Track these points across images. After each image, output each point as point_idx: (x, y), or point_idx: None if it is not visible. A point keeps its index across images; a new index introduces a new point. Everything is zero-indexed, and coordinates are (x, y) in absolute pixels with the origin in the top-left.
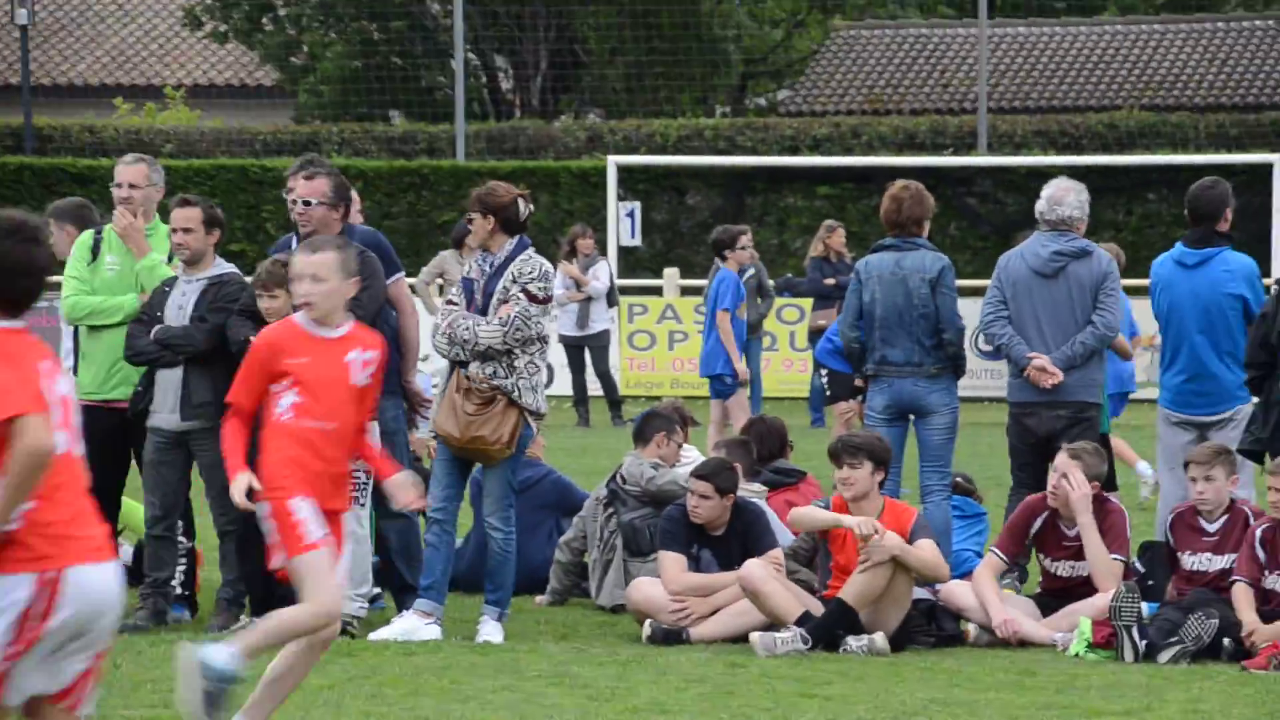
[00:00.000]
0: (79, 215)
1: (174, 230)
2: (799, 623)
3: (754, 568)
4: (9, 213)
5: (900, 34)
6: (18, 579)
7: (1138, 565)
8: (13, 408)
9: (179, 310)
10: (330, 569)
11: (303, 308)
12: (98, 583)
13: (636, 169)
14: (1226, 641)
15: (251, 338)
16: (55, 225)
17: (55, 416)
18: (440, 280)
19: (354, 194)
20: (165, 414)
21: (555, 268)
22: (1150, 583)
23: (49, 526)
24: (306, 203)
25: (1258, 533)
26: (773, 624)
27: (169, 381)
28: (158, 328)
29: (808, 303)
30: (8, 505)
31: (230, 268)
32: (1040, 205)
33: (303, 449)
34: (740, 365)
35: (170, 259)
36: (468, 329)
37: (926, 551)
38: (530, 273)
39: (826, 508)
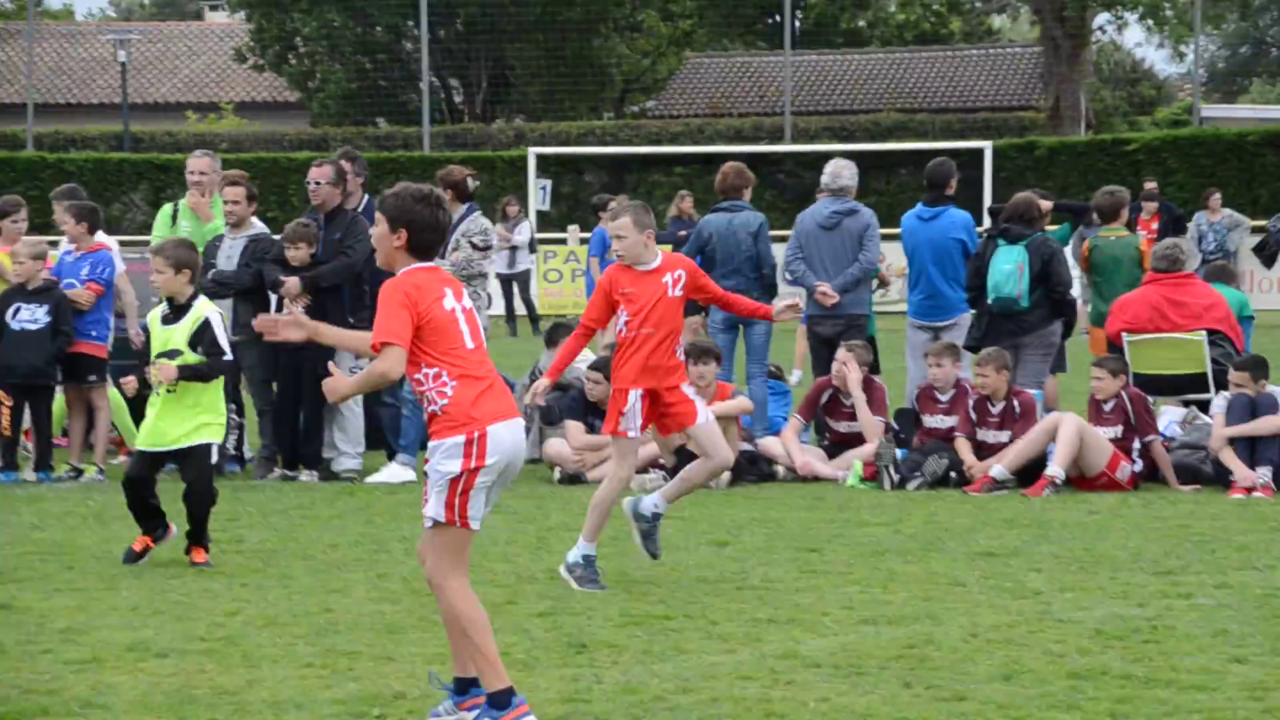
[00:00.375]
0: (72, 194)
1: (225, 202)
2: (661, 467)
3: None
4: (419, 185)
5: (731, 60)
6: (454, 440)
7: (894, 424)
8: (382, 336)
9: (227, 259)
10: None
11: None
12: (508, 437)
13: (549, 157)
14: (953, 475)
15: (281, 278)
16: (56, 205)
17: (461, 323)
18: None
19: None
20: (225, 332)
21: (493, 226)
22: (902, 436)
23: (466, 401)
24: (316, 183)
25: (970, 402)
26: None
27: (222, 309)
28: (213, 271)
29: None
30: (353, 391)
31: (264, 229)
32: (824, 178)
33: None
34: None
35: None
36: None
37: (731, 403)
38: (475, 230)
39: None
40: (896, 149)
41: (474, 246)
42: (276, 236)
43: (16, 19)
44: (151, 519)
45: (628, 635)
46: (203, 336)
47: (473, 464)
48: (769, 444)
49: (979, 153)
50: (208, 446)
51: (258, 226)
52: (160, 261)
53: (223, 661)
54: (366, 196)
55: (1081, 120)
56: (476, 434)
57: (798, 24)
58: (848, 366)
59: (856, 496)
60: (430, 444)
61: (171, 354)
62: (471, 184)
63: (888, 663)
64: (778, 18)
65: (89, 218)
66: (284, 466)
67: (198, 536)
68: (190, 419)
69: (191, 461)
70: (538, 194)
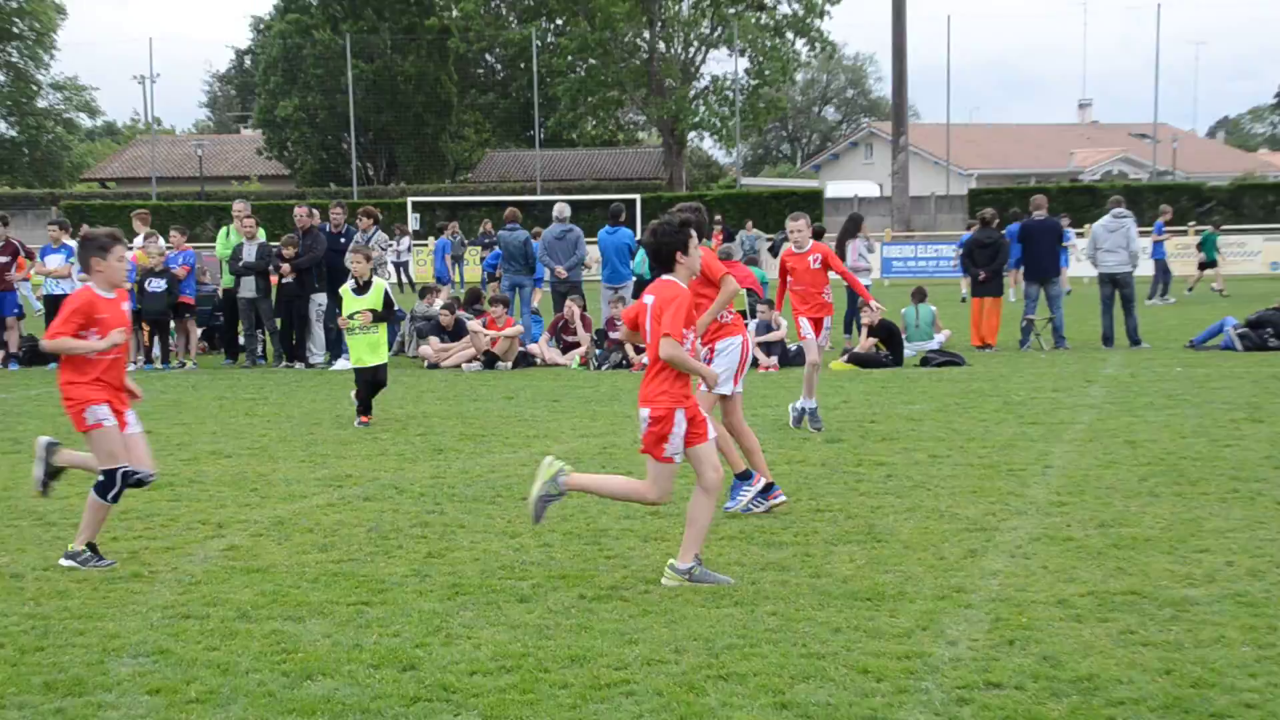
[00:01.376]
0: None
1: (242, 223)
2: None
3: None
4: (676, 213)
5: (510, 153)
6: (733, 339)
7: (594, 336)
8: (721, 272)
9: (249, 255)
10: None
11: None
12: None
13: (418, 203)
14: (625, 362)
15: (280, 263)
16: (173, 229)
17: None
18: None
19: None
20: (246, 293)
21: (387, 237)
22: (600, 343)
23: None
24: (298, 215)
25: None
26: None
27: (247, 283)
28: (241, 261)
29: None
30: (712, 314)
31: (264, 240)
32: (555, 211)
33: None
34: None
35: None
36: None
37: (512, 330)
38: (378, 240)
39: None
40: (593, 198)
41: (380, 248)
42: (274, 244)
43: (145, 133)
44: (367, 408)
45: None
46: (388, 300)
47: None
48: (532, 347)
49: (633, 201)
50: (384, 365)
51: (262, 238)
52: (359, 257)
53: (261, 455)
54: (345, 226)
55: (683, 184)
56: None
57: (543, 132)
58: (574, 306)
59: (577, 374)
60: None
61: (365, 312)
62: (378, 217)
63: (595, 458)
64: (532, 131)
65: (185, 232)
66: (286, 360)
67: (366, 409)
68: (376, 349)
69: (380, 371)
70: (412, 220)
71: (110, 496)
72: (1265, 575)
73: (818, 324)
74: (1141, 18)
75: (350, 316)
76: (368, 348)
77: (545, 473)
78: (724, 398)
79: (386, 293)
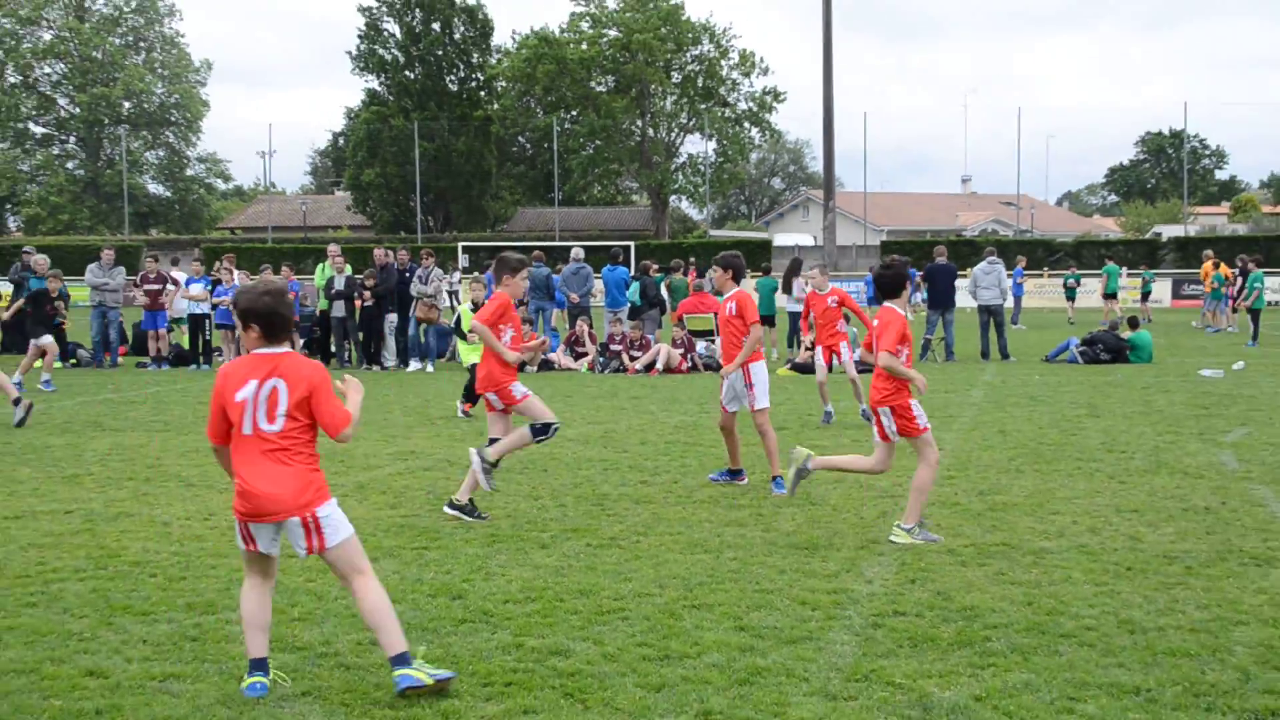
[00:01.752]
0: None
1: (334, 261)
2: None
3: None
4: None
5: (536, 210)
6: (761, 362)
7: (598, 348)
8: (753, 317)
9: (339, 285)
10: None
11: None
12: None
13: (468, 248)
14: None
15: (364, 290)
16: (285, 265)
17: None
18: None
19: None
20: (337, 313)
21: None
22: (605, 357)
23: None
24: (376, 256)
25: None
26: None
27: (338, 305)
28: (334, 290)
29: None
30: (750, 348)
31: (350, 273)
32: (572, 253)
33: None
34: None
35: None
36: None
37: (535, 341)
38: (435, 274)
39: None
40: (598, 244)
41: (438, 279)
42: (358, 276)
43: (264, 194)
44: (470, 396)
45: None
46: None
47: None
48: (552, 356)
49: (629, 247)
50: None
51: (349, 272)
52: (477, 285)
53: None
54: (410, 263)
55: (666, 235)
56: None
57: (561, 195)
58: (584, 325)
59: (585, 377)
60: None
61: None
62: (435, 256)
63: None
64: (553, 194)
65: (293, 268)
66: (366, 364)
67: (471, 397)
68: (476, 352)
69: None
70: (461, 259)
71: (544, 438)
72: (1101, 531)
73: (830, 350)
74: (1008, 116)
75: (471, 329)
76: (474, 353)
77: (798, 458)
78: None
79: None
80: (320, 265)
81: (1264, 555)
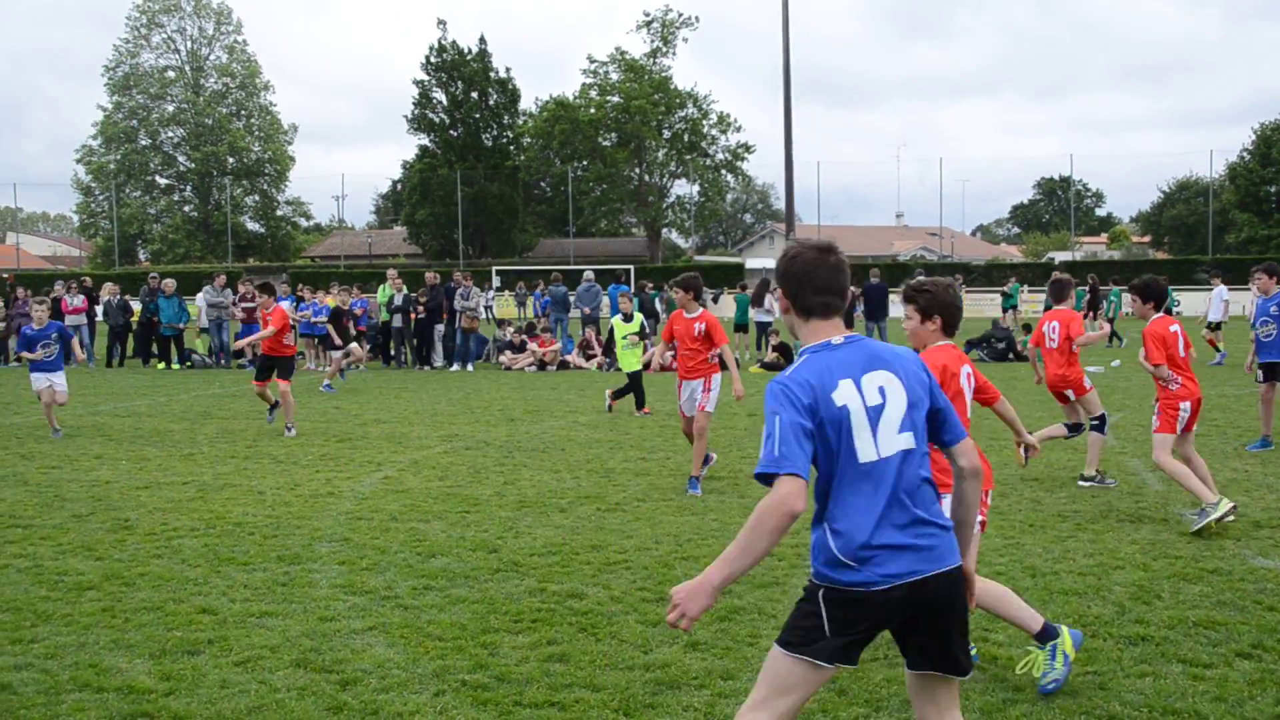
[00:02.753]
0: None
1: (394, 282)
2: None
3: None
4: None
5: (554, 240)
6: (719, 375)
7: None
8: (722, 339)
9: (398, 301)
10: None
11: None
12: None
13: (500, 272)
14: None
15: (418, 306)
16: (334, 285)
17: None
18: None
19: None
20: (396, 324)
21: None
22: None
23: None
24: (425, 279)
25: None
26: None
27: (398, 318)
28: (394, 306)
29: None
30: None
31: (406, 292)
32: (585, 275)
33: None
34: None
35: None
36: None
37: (554, 347)
38: (476, 292)
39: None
40: (605, 267)
41: (476, 295)
42: (413, 294)
43: (338, 229)
44: (641, 401)
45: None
46: (643, 328)
47: None
48: (567, 358)
49: (629, 269)
50: (640, 370)
51: (405, 291)
52: (625, 298)
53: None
54: (443, 284)
55: (659, 260)
56: None
57: (574, 228)
58: (592, 333)
59: (594, 374)
60: None
61: (632, 335)
62: (471, 278)
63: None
64: (569, 227)
65: (361, 289)
66: (419, 365)
67: (641, 403)
68: (635, 359)
69: (638, 374)
70: (495, 279)
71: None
72: (1009, 496)
73: None
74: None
75: (623, 338)
76: (633, 358)
77: (1221, 508)
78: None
79: (643, 322)
80: (381, 286)
81: (1136, 513)
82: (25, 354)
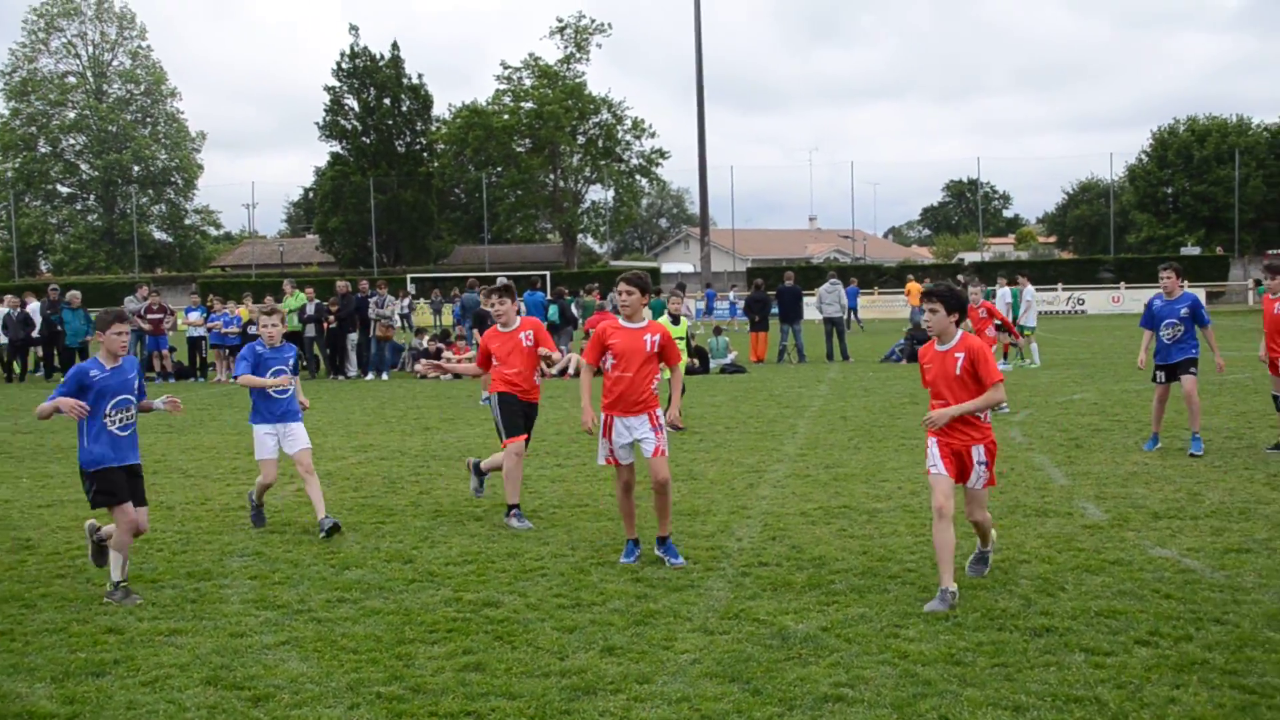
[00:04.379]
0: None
1: (289, 292)
2: None
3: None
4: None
5: (469, 247)
6: None
7: None
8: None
9: (309, 310)
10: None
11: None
12: None
13: (415, 279)
14: None
15: (329, 316)
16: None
17: None
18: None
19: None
20: (308, 334)
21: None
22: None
23: None
24: (342, 286)
25: None
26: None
27: (309, 327)
28: (305, 315)
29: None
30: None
31: (318, 301)
32: (498, 281)
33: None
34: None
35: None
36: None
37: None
38: (389, 299)
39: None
40: (520, 273)
41: (391, 303)
42: (325, 303)
43: (249, 239)
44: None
45: None
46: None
47: None
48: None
49: (545, 275)
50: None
51: (317, 300)
52: (677, 299)
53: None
54: (370, 292)
55: (575, 265)
56: None
57: (489, 234)
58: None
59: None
60: None
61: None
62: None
63: None
64: (484, 234)
65: (260, 298)
66: (331, 374)
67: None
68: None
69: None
70: (410, 287)
71: None
72: (920, 494)
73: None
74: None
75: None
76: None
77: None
78: None
79: (689, 326)
80: (286, 297)
81: (1042, 508)
82: None
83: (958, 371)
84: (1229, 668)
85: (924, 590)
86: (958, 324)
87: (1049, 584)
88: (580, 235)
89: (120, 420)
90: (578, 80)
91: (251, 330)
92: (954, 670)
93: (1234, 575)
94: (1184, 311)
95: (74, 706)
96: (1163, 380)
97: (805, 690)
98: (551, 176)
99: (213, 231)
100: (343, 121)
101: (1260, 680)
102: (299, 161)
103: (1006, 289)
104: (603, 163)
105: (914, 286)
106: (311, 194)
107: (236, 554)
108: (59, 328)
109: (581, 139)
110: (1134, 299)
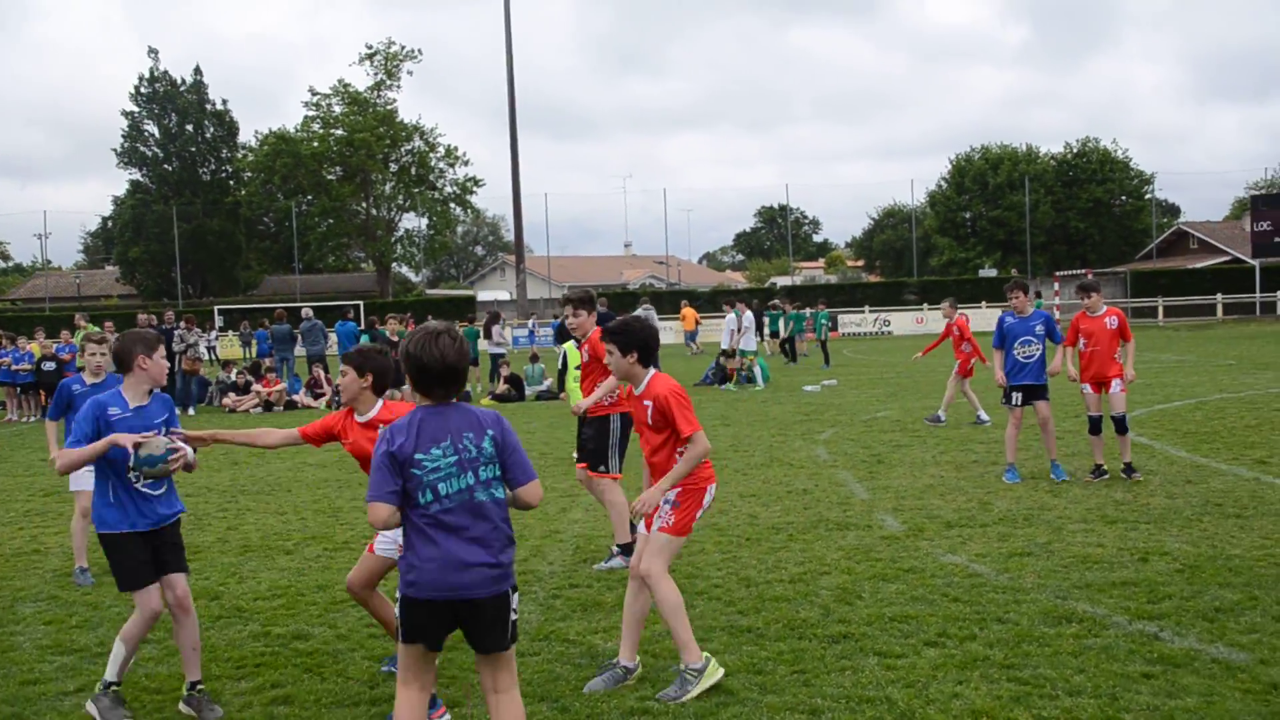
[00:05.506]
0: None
1: (83, 324)
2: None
3: None
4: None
5: (281, 278)
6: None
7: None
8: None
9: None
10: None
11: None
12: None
13: (222, 310)
14: None
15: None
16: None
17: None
18: None
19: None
20: None
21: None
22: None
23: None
24: (143, 320)
25: None
26: None
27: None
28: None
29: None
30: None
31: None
32: (303, 314)
33: None
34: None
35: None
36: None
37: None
38: (196, 335)
39: None
40: (331, 304)
41: (196, 338)
42: None
43: (42, 270)
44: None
45: None
46: None
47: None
48: (295, 397)
49: (358, 305)
50: None
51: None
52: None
53: None
54: (175, 324)
55: (389, 294)
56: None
57: (301, 264)
58: (320, 370)
59: (324, 413)
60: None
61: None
62: (194, 319)
63: None
64: (294, 264)
65: (71, 334)
66: None
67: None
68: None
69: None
70: (217, 319)
71: None
72: (729, 512)
73: None
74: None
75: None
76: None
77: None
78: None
79: None
80: (78, 332)
81: (843, 522)
82: None
83: (649, 421)
84: (1007, 662)
85: (729, 605)
86: (643, 364)
87: (847, 593)
88: (394, 264)
89: None
90: (389, 107)
91: (47, 367)
92: (755, 679)
93: (1016, 577)
94: (1039, 329)
95: None
96: (1018, 403)
97: (612, 705)
98: (364, 204)
99: (1, 263)
100: (142, 148)
101: (1035, 672)
102: (95, 190)
103: (731, 315)
104: (416, 190)
105: (689, 312)
106: (110, 223)
107: (29, 599)
108: None
109: (394, 166)
110: (935, 320)
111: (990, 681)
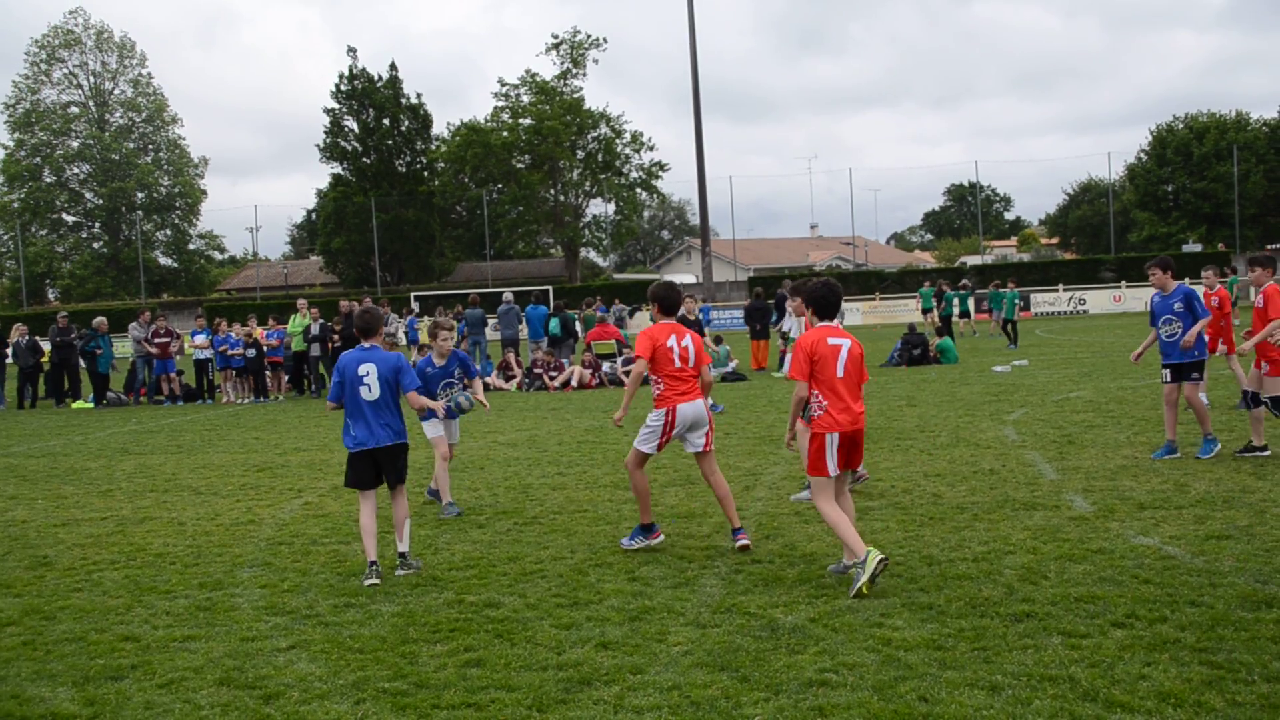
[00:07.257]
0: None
1: (305, 313)
2: None
3: None
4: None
5: (471, 264)
6: (659, 411)
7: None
8: (640, 352)
9: (314, 330)
10: None
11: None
12: (690, 409)
13: (418, 297)
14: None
15: (334, 335)
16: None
17: (675, 355)
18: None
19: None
20: (313, 353)
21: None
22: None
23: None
24: (345, 306)
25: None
26: None
27: (315, 346)
28: (310, 335)
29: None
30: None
31: (323, 320)
32: (505, 296)
33: None
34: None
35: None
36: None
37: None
38: (393, 319)
39: None
40: (523, 288)
41: (396, 321)
42: (329, 323)
43: (253, 261)
44: None
45: None
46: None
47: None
48: (487, 379)
49: (548, 290)
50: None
51: (321, 320)
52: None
53: None
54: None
55: (577, 279)
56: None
57: (492, 251)
58: (511, 354)
59: (515, 395)
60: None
61: None
62: (388, 308)
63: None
64: (486, 250)
65: (280, 319)
66: None
67: None
68: None
69: None
70: (415, 304)
71: None
72: (912, 491)
73: None
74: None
75: None
76: None
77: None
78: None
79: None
80: (293, 316)
81: (1030, 502)
82: None
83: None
84: (1200, 646)
85: (910, 582)
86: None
87: (1032, 573)
88: (582, 249)
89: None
90: (575, 95)
91: (251, 353)
92: (935, 655)
93: (1212, 560)
94: (1178, 306)
95: (94, 708)
96: (1168, 380)
97: (791, 676)
98: (552, 192)
99: (217, 255)
100: (343, 143)
101: (1229, 657)
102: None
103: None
104: (602, 176)
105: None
106: (314, 216)
107: (246, 565)
108: (98, 353)
109: (581, 154)
110: (1135, 298)
111: (1181, 664)
